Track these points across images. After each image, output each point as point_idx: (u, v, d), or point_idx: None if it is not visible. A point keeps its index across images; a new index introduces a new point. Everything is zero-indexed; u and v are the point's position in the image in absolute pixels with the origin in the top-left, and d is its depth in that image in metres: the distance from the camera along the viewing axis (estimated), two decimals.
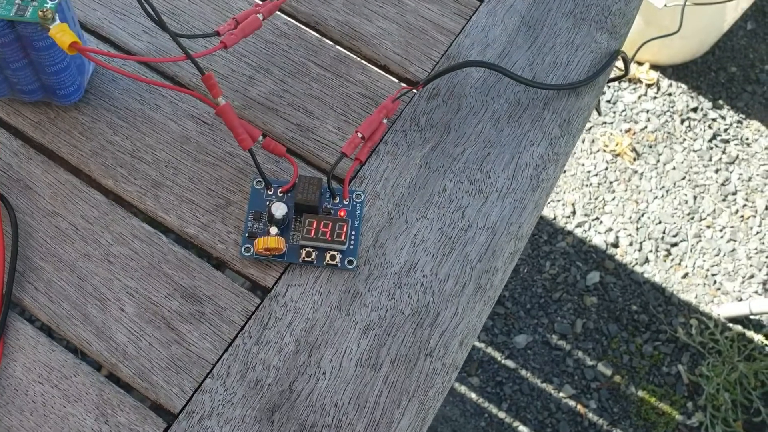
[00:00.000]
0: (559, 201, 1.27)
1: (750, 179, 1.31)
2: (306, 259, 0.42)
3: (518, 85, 0.47)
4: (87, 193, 0.44)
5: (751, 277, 1.23)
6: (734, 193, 1.30)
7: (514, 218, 0.44)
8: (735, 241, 1.26)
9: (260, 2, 0.49)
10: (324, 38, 0.49)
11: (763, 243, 1.26)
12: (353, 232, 0.43)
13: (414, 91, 0.47)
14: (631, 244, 1.24)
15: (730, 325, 1.20)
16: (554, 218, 1.25)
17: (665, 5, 1.20)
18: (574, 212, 1.26)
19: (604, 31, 0.49)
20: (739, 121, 1.36)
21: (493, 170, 0.45)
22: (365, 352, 0.40)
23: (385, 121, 0.45)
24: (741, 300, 1.22)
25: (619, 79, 0.53)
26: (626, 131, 1.33)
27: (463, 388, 1.13)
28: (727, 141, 1.34)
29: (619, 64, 0.57)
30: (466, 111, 0.47)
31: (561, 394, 1.14)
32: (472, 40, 0.49)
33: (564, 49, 0.49)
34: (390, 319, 0.41)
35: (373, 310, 0.41)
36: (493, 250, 0.43)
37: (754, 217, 1.28)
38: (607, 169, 1.30)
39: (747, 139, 1.35)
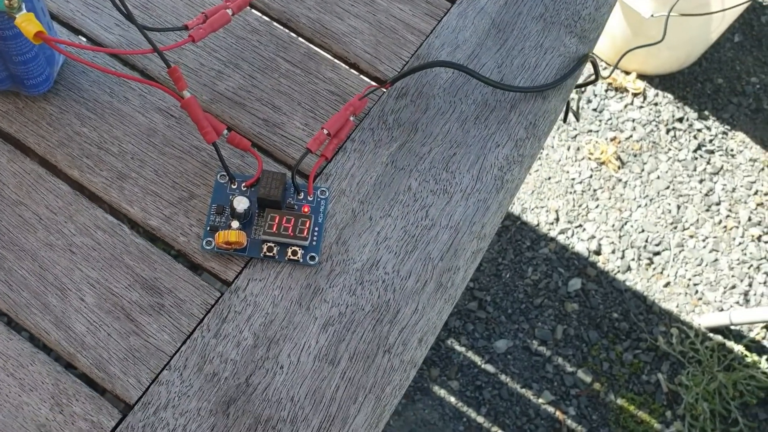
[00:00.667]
0: (542, 207, 1.27)
1: (734, 190, 1.32)
2: (267, 254, 0.42)
3: (486, 86, 0.48)
4: (52, 183, 0.44)
5: (733, 287, 1.24)
6: (718, 204, 1.30)
7: (478, 218, 0.44)
8: (717, 251, 1.26)
9: None
10: (295, 35, 0.49)
11: (745, 254, 1.26)
12: (316, 229, 0.43)
13: (382, 89, 0.47)
14: (613, 251, 1.25)
15: (711, 335, 1.20)
16: (537, 224, 1.26)
17: (652, 15, 1.21)
18: (557, 219, 1.26)
19: (573, 36, 0.50)
20: (724, 132, 1.37)
21: (459, 170, 0.46)
22: (324, 347, 0.41)
23: (352, 118, 0.45)
24: (722, 310, 1.22)
25: (589, 84, 0.54)
26: (611, 139, 1.33)
27: (442, 392, 1.13)
28: (711, 152, 1.35)
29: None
30: (433, 111, 0.47)
31: (540, 400, 1.14)
32: (443, 41, 0.49)
33: (533, 52, 0.49)
34: (350, 315, 0.41)
35: (333, 305, 0.42)
36: (456, 249, 0.44)
37: (737, 227, 1.28)
38: (591, 176, 1.30)
39: (732, 150, 1.35)
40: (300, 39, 0.49)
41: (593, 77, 0.51)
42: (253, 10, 0.50)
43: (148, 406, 0.39)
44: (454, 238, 0.44)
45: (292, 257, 0.42)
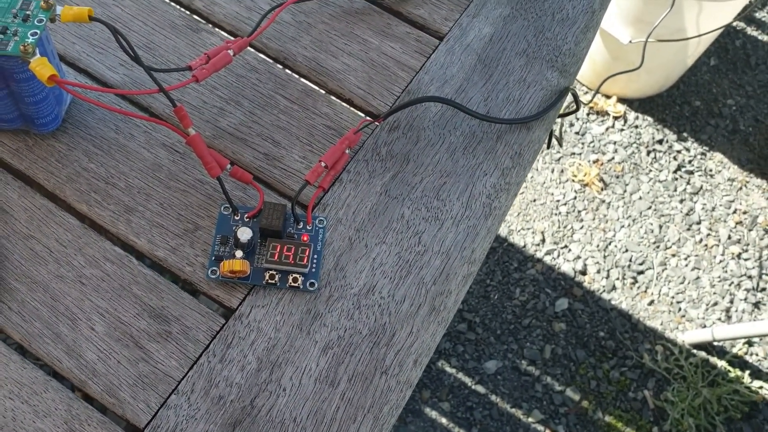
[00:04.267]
0: (528, 229, 1.30)
1: (713, 209, 1.35)
2: (270, 281, 0.44)
3: (473, 119, 0.51)
4: (62, 217, 0.46)
5: (715, 304, 1.27)
6: (698, 223, 1.34)
7: (468, 243, 0.47)
8: (699, 269, 1.30)
9: (231, 39, 0.52)
10: (292, 73, 0.52)
11: (726, 271, 1.30)
12: (315, 256, 0.45)
13: (375, 123, 0.50)
14: (598, 271, 1.28)
15: (695, 351, 1.23)
16: (524, 246, 1.28)
17: (630, 41, 1.25)
18: (543, 240, 1.29)
19: (554, 70, 0.53)
20: (702, 153, 1.41)
21: (449, 198, 0.48)
22: (324, 370, 0.43)
23: (347, 151, 0.48)
24: (705, 327, 1.25)
25: (571, 114, 0.57)
26: (594, 162, 1.37)
27: (434, 413, 1.15)
28: (691, 172, 1.38)
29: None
30: (424, 143, 0.50)
31: (530, 419, 1.16)
32: (432, 77, 0.52)
33: (517, 86, 0.52)
34: (348, 338, 0.44)
35: (332, 329, 0.44)
36: (447, 273, 0.46)
37: (718, 246, 1.32)
38: (575, 198, 1.33)
39: (710, 170, 1.39)
40: (297, 77, 0.52)
41: (574, 107, 0.54)
42: (252, 50, 0.53)
43: (157, 429, 0.40)
44: (445, 263, 0.46)
45: (292, 284, 0.44)
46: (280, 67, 0.52)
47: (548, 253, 1.28)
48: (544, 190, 1.34)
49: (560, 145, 0.64)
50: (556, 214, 1.32)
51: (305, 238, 0.46)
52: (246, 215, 0.46)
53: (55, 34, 0.52)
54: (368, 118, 0.50)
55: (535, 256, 1.28)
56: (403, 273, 0.46)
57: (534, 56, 0.53)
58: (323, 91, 0.52)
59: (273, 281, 0.44)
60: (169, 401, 0.41)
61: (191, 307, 0.44)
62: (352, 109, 0.51)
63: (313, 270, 0.45)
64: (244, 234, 0.44)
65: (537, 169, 1.35)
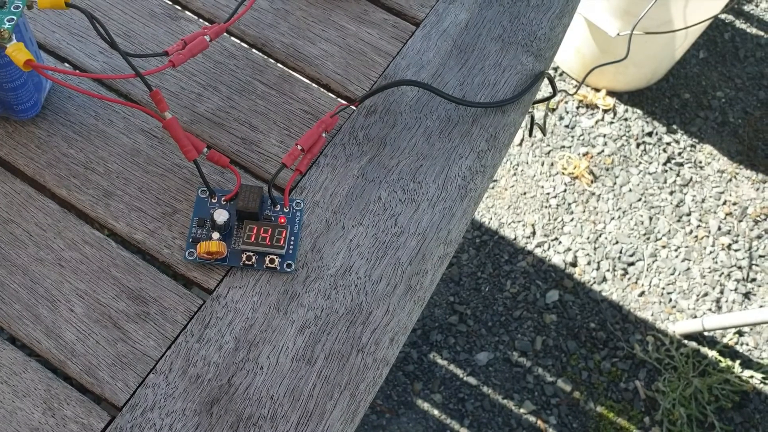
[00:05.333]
0: (519, 222, 1.31)
1: (703, 201, 1.36)
2: (247, 262, 0.45)
3: (449, 103, 0.51)
4: (41, 201, 0.46)
5: (705, 295, 1.28)
6: (688, 215, 1.34)
7: (443, 224, 0.47)
8: (689, 260, 1.30)
9: (209, 25, 0.52)
10: (270, 59, 0.53)
11: (716, 262, 1.30)
12: (292, 238, 0.46)
13: (352, 107, 0.50)
14: (589, 263, 1.28)
15: (685, 341, 1.23)
16: (515, 238, 1.29)
17: (618, 34, 1.26)
18: (533, 233, 1.30)
19: (529, 54, 0.53)
20: (692, 145, 1.41)
21: (425, 181, 0.49)
22: (301, 348, 0.43)
23: (324, 135, 0.48)
24: (695, 317, 1.26)
25: (549, 99, 0.57)
26: (584, 155, 1.37)
27: (426, 405, 1.15)
28: (681, 164, 1.39)
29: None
30: (401, 126, 0.50)
31: (522, 410, 1.16)
32: (408, 62, 0.53)
33: (492, 71, 0.53)
34: (325, 317, 0.44)
35: (309, 309, 0.44)
36: (423, 253, 0.47)
37: (708, 237, 1.33)
38: (565, 191, 1.34)
39: (700, 162, 1.40)
40: (275, 62, 0.53)
41: (552, 94, 0.55)
42: (230, 36, 0.53)
43: (135, 407, 0.41)
44: (421, 243, 0.47)
45: (269, 265, 0.45)
46: (258, 53, 0.53)
47: (539, 245, 1.29)
48: (534, 183, 1.34)
49: (543, 133, 0.64)
50: (546, 207, 1.32)
51: (282, 221, 0.46)
52: (223, 198, 0.46)
53: (34, 22, 0.52)
54: (345, 102, 0.51)
55: (525, 249, 1.28)
56: (380, 254, 0.46)
57: (509, 41, 0.54)
58: (301, 77, 0.52)
59: (250, 263, 0.45)
60: (147, 380, 0.42)
61: (169, 288, 0.44)
62: (329, 94, 0.52)
63: (290, 251, 0.46)
64: (221, 216, 0.44)
65: (527, 163, 1.36)
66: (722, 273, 1.30)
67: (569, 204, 1.33)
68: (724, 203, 1.36)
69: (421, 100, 0.51)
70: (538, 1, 0.56)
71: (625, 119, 1.42)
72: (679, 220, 1.34)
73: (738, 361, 1.22)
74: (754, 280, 1.29)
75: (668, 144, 1.41)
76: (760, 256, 1.31)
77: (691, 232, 1.33)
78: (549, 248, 1.29)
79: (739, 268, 1.30)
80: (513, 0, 0.56)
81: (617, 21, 1.26)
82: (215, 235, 0.45)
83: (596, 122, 1.41)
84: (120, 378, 0.42)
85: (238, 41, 0.53)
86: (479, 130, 0.51)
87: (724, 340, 1.24)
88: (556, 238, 1.30)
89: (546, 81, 0.57)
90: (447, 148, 0.50)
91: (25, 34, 0.45)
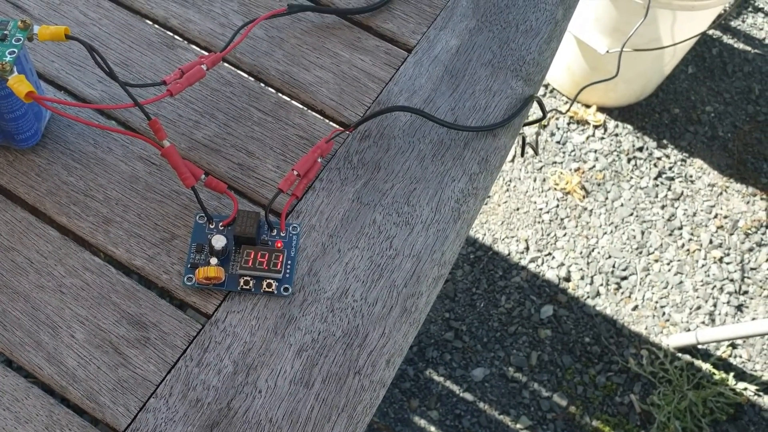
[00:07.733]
0: (512, 237, 1.32)
1: (695, 214, 1.38)
2: (244, 287, 0.45)
3: (441, 127, 0.52)
4: (42, 229, 0.47)
5: (698, 308, 1.29)
6: (680, 228, 1.36)
7: (437, 246, 0.48)
8: (682, 274, 1.32)
9: (206, 54, 0.53)
10: (265, 86, 0.54)
11: (709, 275, 1.32)
12: (289, 262, 0.47)
13: (347, 133, 0.51)
14: (582, 278, 1.29)
15: (679, 354, 1.24)
16: (509, 254, 1.30)
17: (608, 51, 1.28)
18: (527, 248, 1.31)
19: (519, 79, 0.55)
20: (682, 160, 1.43)
21: (419, 203, 0.50)
22: (299, 371, 0.44)
23: (320, 160, 0.49)
24: (689, 330, 1.27)
25: (538, 121, 0.59)
26: (576, 170, 1.39)
27: (422, 422, 1.15)
28: (672, 178, 1.41)
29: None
30: (394, 151, 0.52)
31: (518, 425, 1.17)
32: (401, 88, 0.54)
33: (483, 95, 0.54)
34: (322, 340, 0.45)
35: (306, 333, 0.45)
36: (418, 275, 0.47)
37: (699, 250, 1.34)
38: (558, 206, 1.35)
39: (691, 176, 1.42)
40: (270, 89, 0.54)
41: (542, 115, 0.56)
42: (226, 65, 0.54)
43: None
44: (416, 266, 0.48)
45: (267, 289, 0.46)
46: (254, 80, 0.54)
47: (532, 260, 1.30)
48: (527, 198, 1.35)
49: (536, 153, 0.66)
50: (539, 222, 1.33)
51: (279, 245, 0.47)
52: (221, 224, 0.47)
53: (34, 52, 0.53)
54: (340, 128, 0.52)
55: (519, 264, 1.29)
56: (375, 276, 0.47)
57: (499, 66, 0.55)
58: (296, 103, 0.53)
59: (248, 287, 0.45)
60: (148, 405, 0.42)
61: (168, 314, 0.45)
62: (324, 119, 0.53)
63: (287, 275, 0.46)
64: (218, 241, 0.45)
65: (519, 179, 1.37)
66: (714, 286, 1.31)
67: (562, 219, 1.34)
68: (716, 217, 1.38)
69: (414, 124, 0.53)
70: (527, 26, 0.57)
71: (616, 135, 1.44)
72: (670, 234, 1.35)
73: (732, 374, 1.23)
74: (746, 292, 1.31)
75: (659, 159, 1.42)
76: (752, 269, 1.33)
77: (683, 245, 1.34)
78: (543, 263, 1.30)
79: (732, 280, 1.31)
80: (502, 26, 0.57)
81: (606, 39, 1.28)
82: (213, 260, 0.45)
83: (587, 138, 1.43)
84: (121, 403, 0.42)
85: (234, 69, 0.54)
86: (471, 154, 0.52)
87: (718, 353, 1.25)
88: (550, 253, 1.31)
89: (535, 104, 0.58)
90: (440, 172, 0.51)
91: (26, 65, 0.46)
